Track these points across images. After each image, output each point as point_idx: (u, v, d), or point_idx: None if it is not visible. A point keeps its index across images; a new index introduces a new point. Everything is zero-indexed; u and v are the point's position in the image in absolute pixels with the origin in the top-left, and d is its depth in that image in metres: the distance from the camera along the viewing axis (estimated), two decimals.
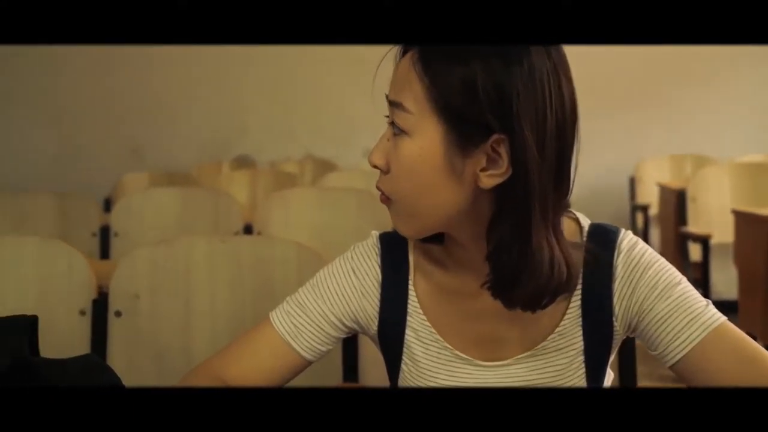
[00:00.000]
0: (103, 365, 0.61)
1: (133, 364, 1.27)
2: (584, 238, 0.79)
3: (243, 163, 4.27)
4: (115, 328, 1.28)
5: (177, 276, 1.28)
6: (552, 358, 0.79)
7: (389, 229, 0.83)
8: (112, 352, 1.27)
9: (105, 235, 2.23)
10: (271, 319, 0.84)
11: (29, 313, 1.31)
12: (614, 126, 4.19)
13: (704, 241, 2.97)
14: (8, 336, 0.54)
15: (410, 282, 0.83)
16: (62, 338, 1.30)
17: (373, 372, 1.29)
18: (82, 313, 1.29)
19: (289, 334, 0.82)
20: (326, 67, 4.41)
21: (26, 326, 0.56)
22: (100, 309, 1.29)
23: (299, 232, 2.12)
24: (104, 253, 2.21)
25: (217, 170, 4.00)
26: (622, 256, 0.78)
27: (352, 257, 0.86)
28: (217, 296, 1.29)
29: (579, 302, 0.79)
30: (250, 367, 0.82)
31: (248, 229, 2.19)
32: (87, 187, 3.68)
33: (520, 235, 0.70)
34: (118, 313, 1.28)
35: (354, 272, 0.84)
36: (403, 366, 0.84)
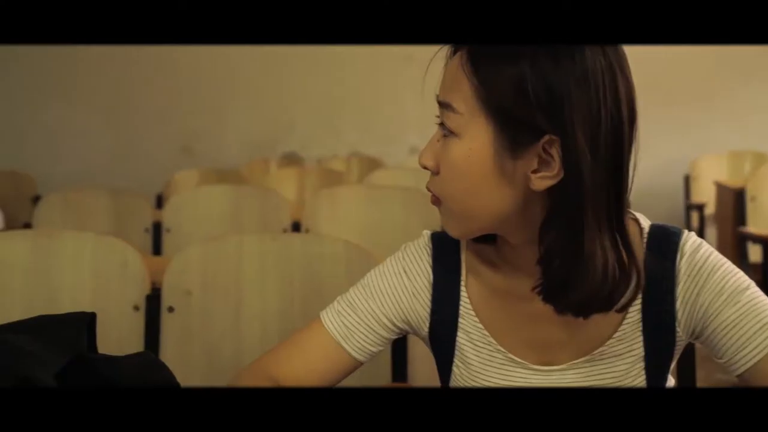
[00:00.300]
0: (159, 363, 0.62)
1: (185, 360, 1.29)
2: (645, 240, 0.76)
3: (290, 160, 4.31)
4: (168, 323, 1.30)
5: (228, 273, 1.30)
6: (610, 364, 0.77)
7: (437, 227, 0.82)
8: (164, 348, 1.29)
9: (157, 231, 2.28)
10: (322, 319, 0.84)
11: (86, 307, 1.35)
12: (669, 122, 4.07)
13: (764, 242, 2.86)
14: (67, 332, 0.54)
15: (462, 283, 0.82)
16: (117, 333, 1.33)
17: (422, 372, 1.28)
18: (136, 308, 1.32)
19: (340, 334, 0.82)
20: (374, 64, 4.41)
21: (85, 323, 0.56)
22: (153, 305, 1.31)
23: (347, 230, 2.13)
24: (156, 248, 2.25)
25: (265, 168, 4.04)
26: (685, 259, 0.75)
27: (403, 257, 0.85)
28: (266, 293, 1.30)
29: (639, 307, 0.76)
30: (302, 367, 0.81)
31: (296, 227, 2.21)
32: (140, 183, 3.77)
33: (571, 240, 0.67)
34: (170, 309, 1.30)
35: (405, 272, 0.83)
36: (454, 368, 0.83)
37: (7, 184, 3.32)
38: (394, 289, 0.83)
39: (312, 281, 1.28)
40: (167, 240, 2.23)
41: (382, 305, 0.82)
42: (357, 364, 0.83)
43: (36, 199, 3.28)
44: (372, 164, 3.95)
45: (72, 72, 4.70)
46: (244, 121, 4.63)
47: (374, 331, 0.82)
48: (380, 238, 2.12)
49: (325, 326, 0.83)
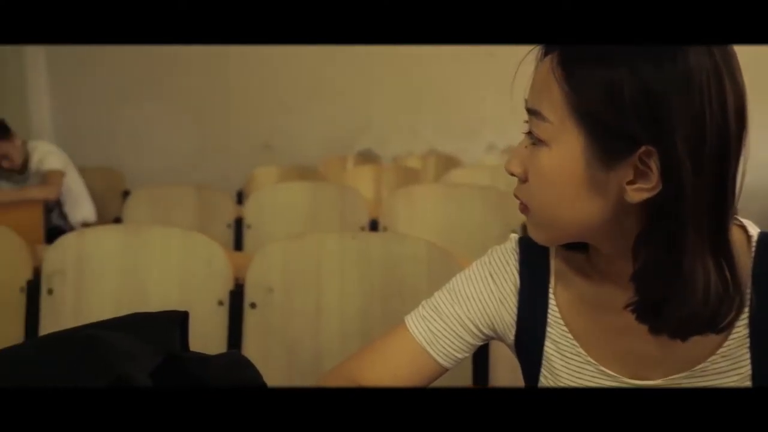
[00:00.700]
0: (247, 362, 0.62)
1: (266, 356, 1.31)
2: (753, 250, 0.71)
3: (367, 157, 4.33)
4: (250, 319, 1.32)
5: (308, 271, 1.30)
6: (712, 382, 0.71)
7: (516, 227, 0.79)
8: (247, 343, 1.32)
9: (239, 226, 2.32)
10: (407, 323, 0.82)
11: (173, 301, 1.38)
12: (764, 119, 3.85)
13: None
14: (161, 330, 0.55)
15: (550, 290, 0.78)
16: (202, 327, 1.36)
17: (504, 375, 1.25)
18: (220, 303, 1.35)
19: (425, 339, 0.80)
20: (453, 60, 4.37)
21: (177, 321, 0.57)
22: (236, 300, 1.33)
23: (424, 229, 2.11)
24: (237, 244, 2.30)
25: (342, 165, 4.08)
26: None
27: (490, 261, 0.82)
28: (346, 292, 1.30)
29: (746, 321, 0.71)
30: (386, 373, 0.80)
31: (374, 225, 2.21)
32: (222, 179, 3.88)
33: (669, 257, 0.62)
34: (253, 305, 1.32)
35: (491, 277, 0.81)
36: (542, 379, 0.79)
37: (99, 179, 3.48)
38: (480, 294, 0.80)
39: (392, 281, 1.27)
40: (248, 236, 2.28)
41: (468, 310, 0.80)
42: (442, 370, 0.81)
43: (125, 194, 3.43)
44: (449, 162, 3.91)
45: (159, 72, 4.88)
46: (322, 119, 4.69)
47: (460, 336, 0.80)
48: (458, 237, 2.09)
49: (410, 331, 0.81)
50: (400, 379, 0.80)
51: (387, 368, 0.80)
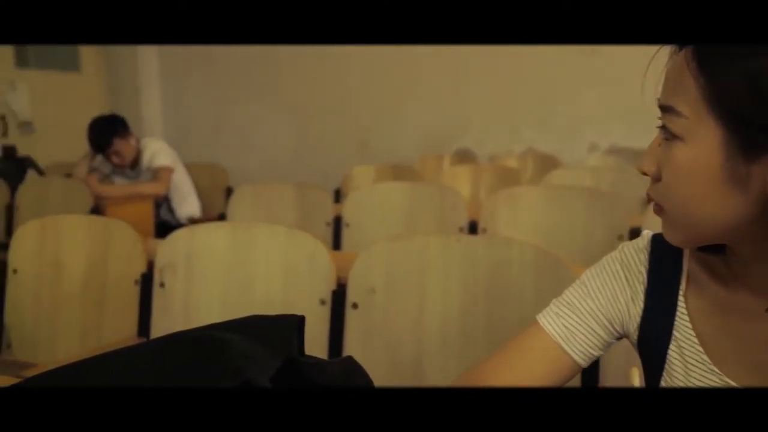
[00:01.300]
0: (360, 369, 0.60)
1: (367, 356, 1.30)
2: None
3: (463, 156, 4.28)
4: (352, 319, 1.32)
5: (411, 273, 1.29)
6: None
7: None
8: (348, 343, 1.32)
9: (337, 225, 2.34)
10: (540, 321, 0.80)
11: (277, 298, 1.41)
12: None
13: None
14: (280, 334, 0.55)
15: (680, 293, 0.74)
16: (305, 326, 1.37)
17: (614, 377, 1.20)
18: (323, 302, 1.35)
19: (560, 335, 0.78)
20: (553, 58, 4.25)
21: (296, 325, 0.56)
22: (338, 300, 1.34)
23: (525, 232, 2.05)
24: (336, 242, 2.32)
25: (439, 163, 4.05)
26: None
27: (621, 257, 0.80)
28: (449, 295, 1.27)
29: None
30: (523, 373, 0.78)
31: (472, 226, 2.17)
32: (319, 177, 3.95)
33: None
34: (355, 306, 1.31)
35: (621, 272, 0.78)
36: (662, 383, 0.75)
37: (204, 175, 3.61)
38: (612, 289, 0.78)
39: (497, 286, 1.23)
40: (346, 234, 2.29)
41: (600, 304, 0.78)
42: (577, 369, 0.79)
43: (228, 190, 3.55)
44: (548, 162, 3.80)
45: (260, 73, 5.03)
46: (419, 117, 4.68)
47: (594, 331, 0.78)
48: (561, 241, 2.02)
49: (545, 328, 0.79)
50: (537, 380, 0.78)
51: (524, 369, 0.78)
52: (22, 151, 4.26)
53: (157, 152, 3.26)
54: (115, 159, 3.16)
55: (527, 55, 4.27)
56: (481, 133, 4.56)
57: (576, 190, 2.20)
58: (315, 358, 0.60)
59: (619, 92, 4.16)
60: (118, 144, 3.14)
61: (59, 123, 4.74)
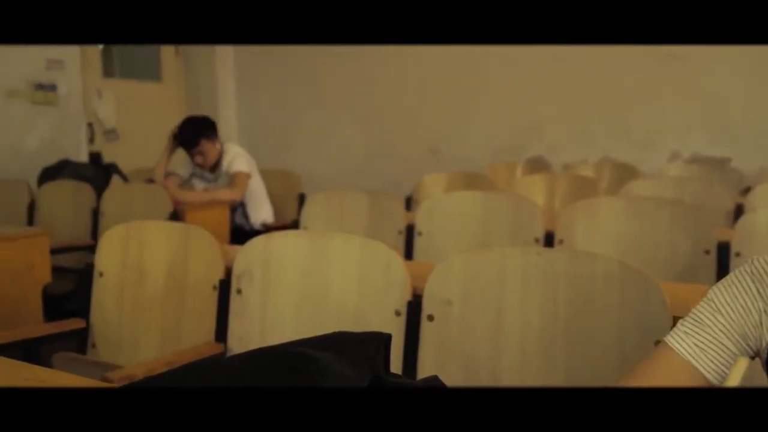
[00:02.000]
0: (446, 389, 0.58)
1: (442, 370, 1.28)
2: None
3: (536, 165, 4.19)
4: (427, 332, 1.30)
5: (489, 286, 1.26)
6: None
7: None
8: (422, 356, 1.30)
9: (409, 233, 2.33)
10: (669, 342, 0.78)
11: (352, 309, 1.40)
12: None
13: None
14: (367, 352, 0.53)
15: None
16: None
17: None
18: (397, 313, 1.34)
19: (691, 354, 0.75)
20: (629, 63, 4.12)
21: (383, 343, 0.55)
22: (413, 311, 1.32)
23: (605, 245, 1.98)
24: (408, 251, 2.31)
25: (511, 172, 3.98)
26: None
27: (751, 270, 0.77)
28: (528, 309, 1.23)
29: None
30: None
31: (548, 237, 2.11)
32: (389, 183, 3.95)
33: None
34: (430, 318, 1.30)
35: (752, 286, 0.76)
36: None
37: (277, 181, 3.67)
38: (744, 303, 0.76)
39: (579, 301, 1.19)
40: (418, 243, 2.28)
41: (731, 319, 0.76)
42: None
43: (300, 197, 3.59)
44: (625, 171, 3.68)
45: (332, 79, 5.09)
46: (490, 124, 4.62)
47: (726, 347, 0.75)
48: (643, 255, 1.94)
49: (674, 348, 0.77)
50: None
51: None
52: (107, 157, 4.45)
53: (236, 158, 3.33)
54: (198, 159, 3.26)
55: (601, 61, 4.16)
56: (553, 141, 4.46)
57: (658, 202, 2.12)
58: (400, 377, 0.59)
59: (700, 99, 4.00)
60: (205, 144, 3.24)
61: (141, 130, 4.93)
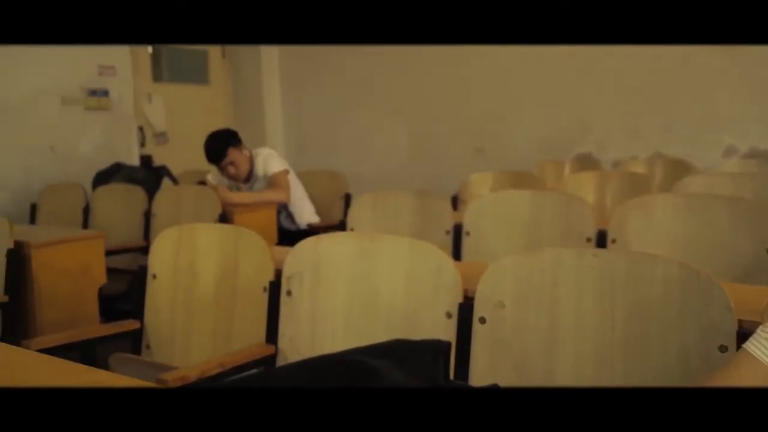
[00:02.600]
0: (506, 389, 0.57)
1: (495, 374, 1.26)
2: None
3: (585, 162, 4.11)
4: (479, 334, 1.28)
5: (543, 288, 1.23)
6: None
7: None
8: (474, 359, 1.28)
9: (457, 233, 2.31)
10: (749, 349, 0.76)
11: (401, 310, 1.39)
12: None
13: None
14: (425, 360, 0.52)
15: None
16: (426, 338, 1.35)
17: None
18: (449, 315, 1.32)
19: None
20: (681, 56, 4.00)
21: (442, 352, 0.54)
22: (465, 313, 1.30)
23: (660, 244, 1.92)
24: (456, 251, 2.28)
25: (559, 169, 3.92)
26: None
27: None
28: (583, 312, 1.20)
29: None
30: None
31: (600, 237, 2.06)
32: (435, 183, 3.93)
33: None
34: (482, 320, 1.28)
35: None
36: None
37: (323, 182, 3.69)
38: None
39: (637, 304, 1.15)
40: (466, 243, 2.25)
41: None
42: None
43: (346, 197, 3.60)
44: (679, 167, 3.57)
45: (376, 78, 5.08)
46: (536, 122, 4.55)
47: None
48: (700, 255, 1.88)
49: (755, 356, 0.75)
50: None
51: None
52: (158, 160, 4.55)
53: (268, 159, 3.33)
54: (231, 170, 3.26)
55: (651, 54, 4.05)
56: (602, 138, 4.36)
57: (716, 199, 2.04)
58: (461, 384, 0.58)
59: (756, 92, 3.86)
60: (233, 153, 3.25)
61: (190, 132, 5.02)
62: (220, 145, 3.24)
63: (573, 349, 1.22)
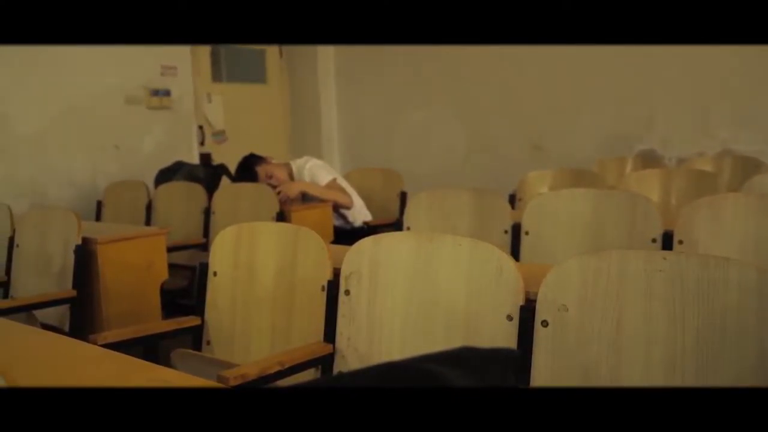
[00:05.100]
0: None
1: (558, 379, 1.22)
2: None
3: (648, 159, 3.98)
4: (541, 338, 1.25)
5: (609, 291, 1.19)
6: None
7: None
8: (536, 364, 1.25)
9: (515, 232, 2.26)
10: None
11: (460, 311, 1.37)
12: None
13: None
14: (495, 369, 0.50)
15: None
16: (489, 342, 1.32)
17: None
18: (509, 318, 1.30)
19: None
20: (748, 51, 3.82)
21: (512, 360, 0.51)
22: (526, 316, 1.27)
23: (731, 247, 1.84)
24: (514, 251, 2.24)
25: (620, 167, 3.80)
26: None
27: None
28: (652, 317, 1.16)
29: None
30: None
31: (666, 238, 1.98)
32: (492, 181, 3.87)
33: None
34: (544, 323, 1.24)
35: None
36: None
37: (379, 180, 3.69)
38: None
39: (710, 311, 1.10)
40: (525, 243, 2.21)
41: None
42: None
43: (402, 195, 3.59)
44: (748, 165, 3.42)
45: (431, 76, 5.05)
46: (595, 118, 4.43)
47: None
48: None
49: None
50: None
51: None
52: (217, 158, 4.63)
53: (315, 169, 3.38)
54: (273, 182, 3.31)
55: (716, 49, 3.88)
56: (666, 133, 4.21)
57: None
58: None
59: None
60: (263, 168, 3.34)
61: (248, 131, 5.10)
62: (247, 171, 3.36)
63: (640, 356, 1.17)
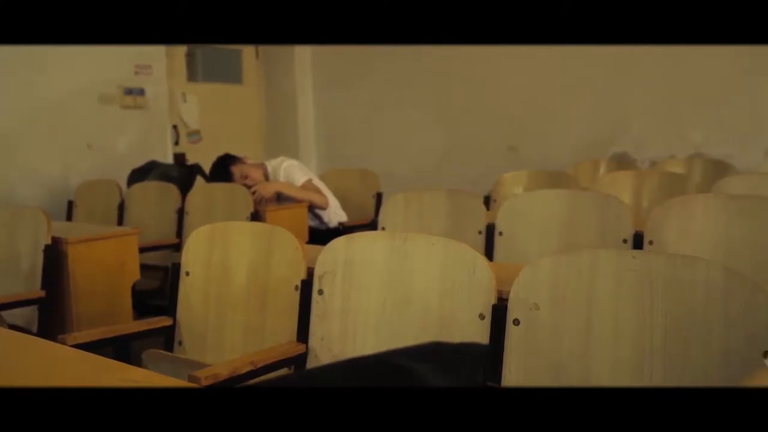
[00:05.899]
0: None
1: (529, 377, 1.24)
2: None
3: (620, 162, 4.04)
4: (513, 336, 1.26)
5: (579, 290, 1.20)
6: None
7: None
8: (508, 362, 1.26)
9: (489, 233, 2.28)
10: None
11: (434, 311, 1.37)
12: None
13: None
14: (465, 363, 0.51)
15: None
16: (461, 340, 1.33)
17: None
18: (482, 317, 1.30)
19: None
20: (724, 51, 3.90)
21: (480, 355, 0.52)
22: (499, 315, 1.28)
23: (700, 246, 1.87)
24: (488, 251, 2.25)
25: (594, 169, 3.85)
26: None
27: None
28: (621, 316, 1.17)
29: None
30: None
31: (637, 238, 2.01)
32: (467, 182, 3.90)
33: None
34: (516, 322, 1.25)
35: None
36: None
37: (355, 181, 3.69)
38: None
39: (679, 309, 1.12)
40: (499, 243, 2.22)
41: None
42: None
43: (378, 196, 3.59)
44: (717, 168, 3.49)
45: (409, 78, 5.06)
46: (571, 120, 4.48)
47: None
48: (741, 258, 1.82)
49: None
50: None
51: None
52: (191, 158, 4.59)
53: (290, 169, 3.37)
54: (248, 182, 3.29)
55: (689, 51, 3.96)
56: (639, 137, 4.27)
57: (762, 200, 1.98)
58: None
59: None
60: (238, 168, 3.32)
61: (223, 131, 5.07)
62: (222, 171, 3.34)
63: (610, 354, 1.19)
